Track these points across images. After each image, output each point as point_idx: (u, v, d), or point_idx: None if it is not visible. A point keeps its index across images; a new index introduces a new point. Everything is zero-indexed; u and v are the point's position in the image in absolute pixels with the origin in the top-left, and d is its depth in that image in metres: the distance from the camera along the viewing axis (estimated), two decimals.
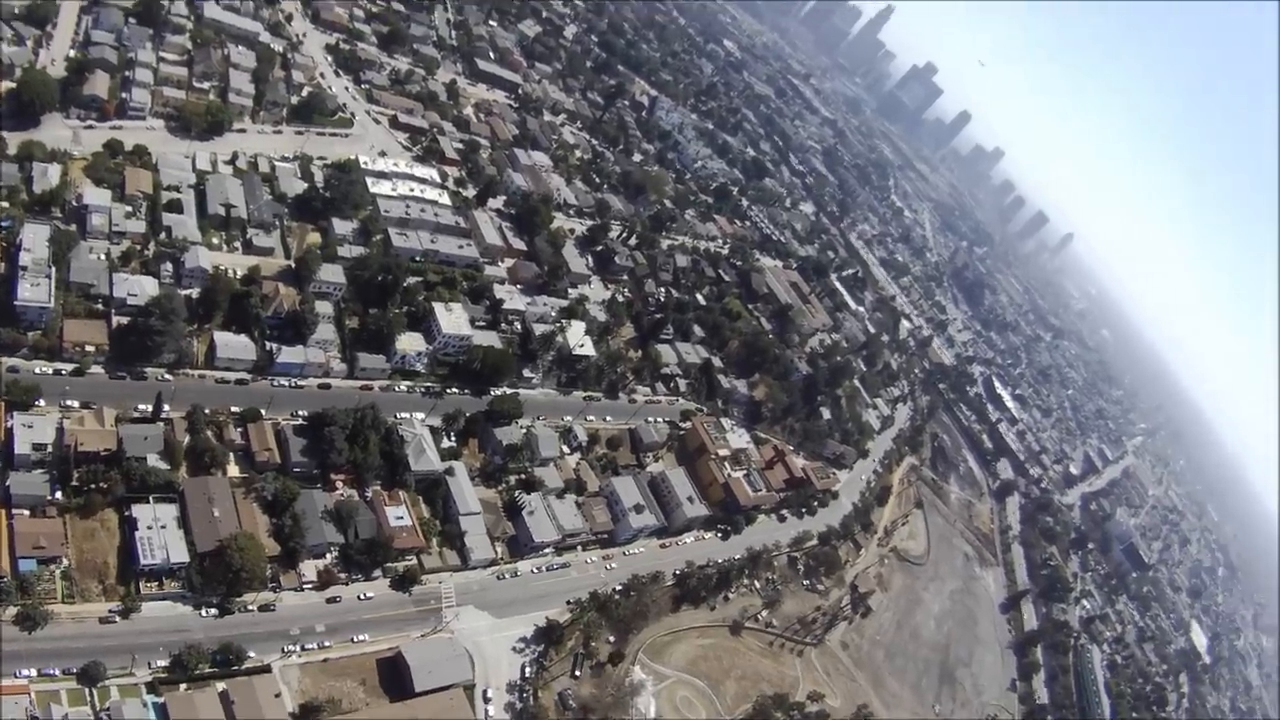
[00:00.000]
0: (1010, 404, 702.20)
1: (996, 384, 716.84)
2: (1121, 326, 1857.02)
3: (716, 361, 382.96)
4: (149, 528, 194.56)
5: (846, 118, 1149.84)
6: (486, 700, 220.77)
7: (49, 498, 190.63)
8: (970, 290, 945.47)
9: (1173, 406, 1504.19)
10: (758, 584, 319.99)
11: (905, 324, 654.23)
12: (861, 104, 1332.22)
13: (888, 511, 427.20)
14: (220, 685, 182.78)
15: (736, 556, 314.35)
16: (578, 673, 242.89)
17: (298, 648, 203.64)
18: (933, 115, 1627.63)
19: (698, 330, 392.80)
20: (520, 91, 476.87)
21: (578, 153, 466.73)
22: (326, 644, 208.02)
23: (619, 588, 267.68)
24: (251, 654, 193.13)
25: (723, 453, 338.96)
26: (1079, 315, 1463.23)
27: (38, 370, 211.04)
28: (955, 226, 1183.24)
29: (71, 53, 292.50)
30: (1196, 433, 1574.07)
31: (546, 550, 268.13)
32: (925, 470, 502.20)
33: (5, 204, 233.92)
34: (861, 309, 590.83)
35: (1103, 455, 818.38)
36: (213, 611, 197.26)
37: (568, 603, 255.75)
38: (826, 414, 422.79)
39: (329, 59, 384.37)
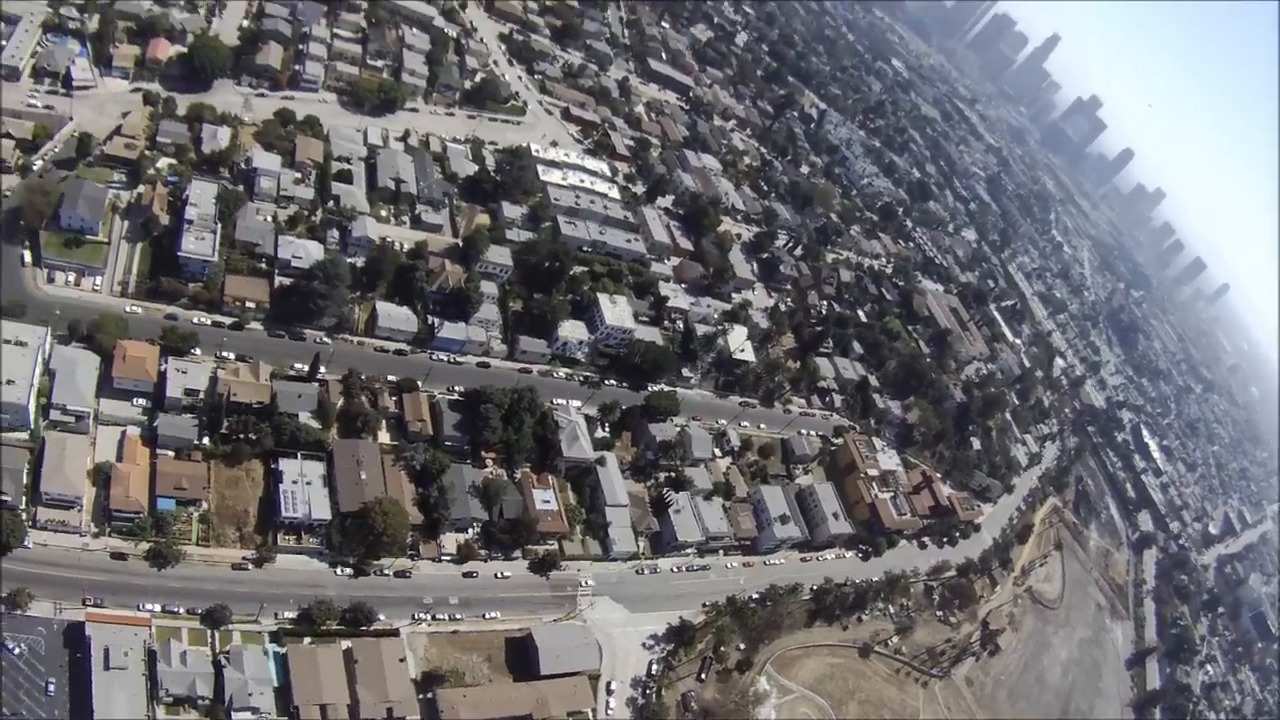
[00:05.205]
0: (1157, 454, 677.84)
1: (1145, 432, 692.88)
2: (1271, 386, 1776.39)
3: (873, 380, 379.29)
4: (294, 482, 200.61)
5: (1010, 146, 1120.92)
6: (610, 691, 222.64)
7: (195, 442, 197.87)
8: (1125, 333, 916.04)
9: None
10: (892, 609, 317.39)
11: (1059, 361, 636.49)
12: (1025, 133, 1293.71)
13: (1027, 551, 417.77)
14: (345, 643, 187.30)
15: (874, 578, 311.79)
16: (704, 676, 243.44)
17: (429, 616, 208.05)
18: (1096, 150, 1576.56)
19: (857, 347, 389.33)
20: (691, 94, 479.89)
21: (746, 159, 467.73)
22: (458, 616, 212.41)
23: (756, 596, 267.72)
24: (381, 617, 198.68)
25: (872, 472, 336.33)
26: (1230, 370, 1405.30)
27: (196, 320, 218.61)
28: (1113, 266, 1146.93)
29: (245, 23, 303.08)
30: None
31: (688, 550, 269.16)
32: (1067, 513, 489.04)
33: (174, 160, 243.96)
34: (1018, 341, 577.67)
35: (1242, 518, 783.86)
36: (348, 571, 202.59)
37: (703, 605, 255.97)
38: (976, 444, 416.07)
39: (502, 48, 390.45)
